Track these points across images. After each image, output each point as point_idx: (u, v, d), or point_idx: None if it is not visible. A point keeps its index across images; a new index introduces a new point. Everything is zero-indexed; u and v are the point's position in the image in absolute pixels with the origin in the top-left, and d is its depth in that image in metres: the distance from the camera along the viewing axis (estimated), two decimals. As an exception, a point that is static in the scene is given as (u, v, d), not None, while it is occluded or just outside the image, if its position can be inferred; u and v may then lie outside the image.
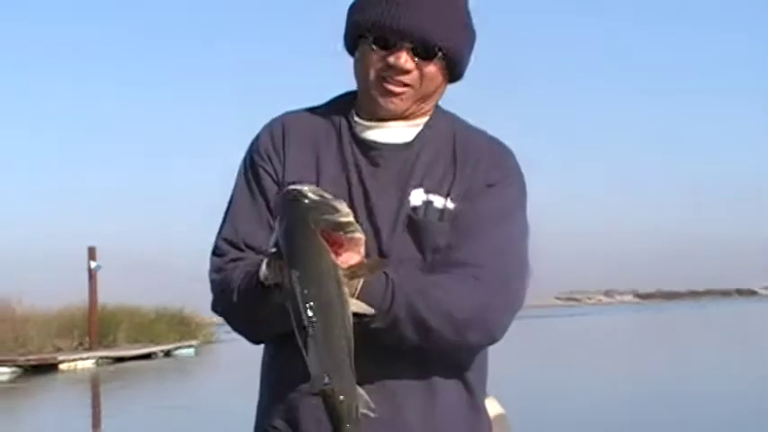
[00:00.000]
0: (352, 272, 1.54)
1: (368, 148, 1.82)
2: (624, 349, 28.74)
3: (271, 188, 1.84)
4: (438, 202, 1.77)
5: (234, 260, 1.79)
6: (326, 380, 1.53)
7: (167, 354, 31.98)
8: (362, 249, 1.58)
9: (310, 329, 1.51)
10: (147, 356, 30.85)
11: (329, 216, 1.54)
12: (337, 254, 1.52)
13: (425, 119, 1.84)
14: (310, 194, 1.58)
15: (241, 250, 1.80)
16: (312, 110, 1.95)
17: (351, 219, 1.57)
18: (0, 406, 19.99)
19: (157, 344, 32.58)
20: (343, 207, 1.56)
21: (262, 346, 1.92)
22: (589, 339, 36.95)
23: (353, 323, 1.54)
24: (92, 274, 32.46)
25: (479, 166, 1.80)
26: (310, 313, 1.51)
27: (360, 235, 1.56)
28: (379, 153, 1.81)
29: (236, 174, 1.94)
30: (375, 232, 1.77)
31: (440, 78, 1.83)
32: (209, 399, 17.85)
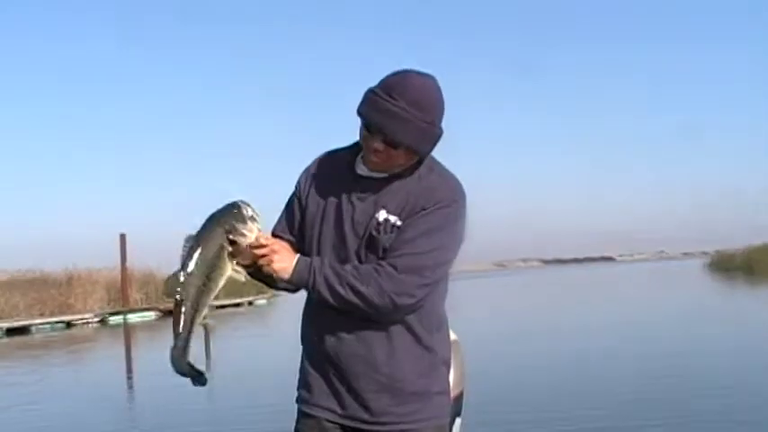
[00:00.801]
0: (237, 249, 2.23)
1: (359, 178, 2.36)
2: (532, 296, 39.39)
3: (296, 204, 2.50)
4: (392, 219, 2.28)
5: None
6: (178, 294, 2.19)
7: (250, 303, 39.06)
8: (247, 250, 2.24)
9: (185, 259, 2.19)
10: (238, 305, 37.27)
11: (236, 222, 2.20)
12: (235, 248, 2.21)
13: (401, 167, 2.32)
14: (242, 207, 2.25)
15: (276, 236, 2.43)
16: (343, 149, 2.49)
17: (246, 231, 2.21)
18: (150, 335, 25.44)
19: (243, 297, 38.59)
20: (250, 224, 2.23)
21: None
22: (510, 291, 47.82)
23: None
24: None
25: (423, 198, 2.29)
26: (186, 252, 2.20)
27: (245, 240, 2.22)
28: (365, 183, 2.34)
29: None
30: (354, 234, 2.33)
31: (405, 157, 2.30)
32: (276, 329, 24.11)
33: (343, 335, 2.35)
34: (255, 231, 2.25)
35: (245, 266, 2.32)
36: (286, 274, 2.29)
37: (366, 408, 2.36)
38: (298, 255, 2.36)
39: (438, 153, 2.39)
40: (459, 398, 2.80)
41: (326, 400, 2.41)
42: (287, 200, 2.54)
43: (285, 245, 2.37)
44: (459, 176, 2.42)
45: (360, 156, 2.39)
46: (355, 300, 2.24)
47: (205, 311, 2.28)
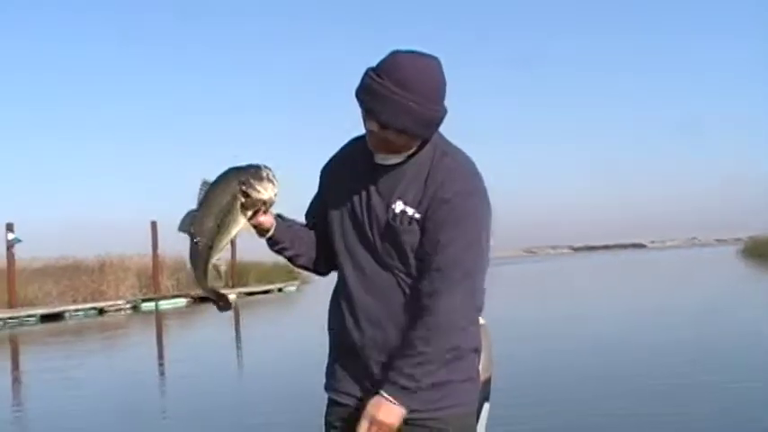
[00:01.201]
0: (249, 202, 2.24)
1: (377, 166, 2.34)
2: (565, 282, 39.02)
3: (322, 191, 2.53)
4: (410, 212, 2.26)
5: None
6: (191, 228, 2.28)
7: (279, 290, 40.05)
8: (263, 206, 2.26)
9: (200, 200, 2.28)
10: (267, 292, 38.99)
11: (252, 178, 2.23)
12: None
13: (412, 151, 2.29)
14: (262, 168, 2.26)
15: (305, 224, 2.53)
16: (361, 138, 2.41)
17: (260, 187, 2.23)
18: (181, 322, 26.86)
19: (272, 284, 40.72)
20: (266, 183, 2.24)
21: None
22: (541, 277, 47.64)
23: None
24: (233, 241, 40.22)
25: (442, 188, 2.23)
26: (201, 195, 2.28)
27: (258, 195, 2.23)
28: (379, 171, 2.33)
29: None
30: (369, 223, 2.33)
31: (402, 139, 2.25)
32: (305, 316, 24.03)
33: (368, 323, 2.36)
34: (270, 192, 2.25)
35: (259, 231, 2.37)
36: None
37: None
38: None
39: (463, 143, 2.35)
40: (488, 383, 2.73)
41: (351, 387, 2.42)
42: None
43: None
44: (484, 166, 2.36)
45: None
46: (449, 354, 2.28)
47: (219, 255, 2.32)
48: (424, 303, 2.24)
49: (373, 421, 2.24)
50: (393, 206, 2.27)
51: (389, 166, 2.30)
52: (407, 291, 2.31)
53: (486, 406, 2.73)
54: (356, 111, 2.27)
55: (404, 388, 2.23)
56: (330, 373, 2.51)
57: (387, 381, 2.26)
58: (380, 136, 2.23)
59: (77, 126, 74.06)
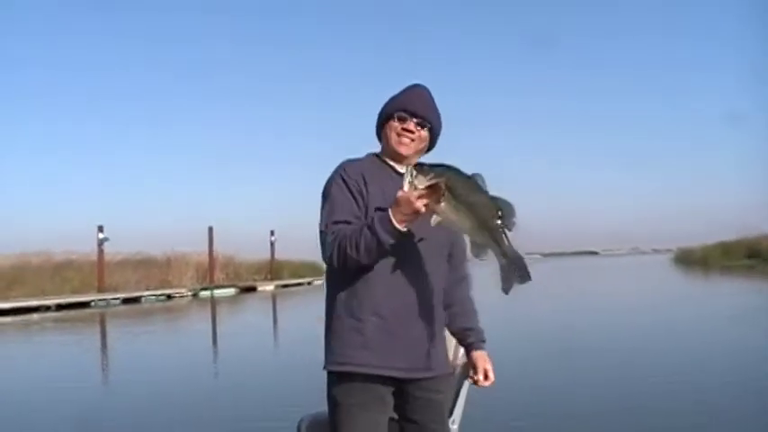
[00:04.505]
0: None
1: (400, 175, 2.24)
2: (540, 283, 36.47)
3: (356, 195, 2.24)
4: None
5: (340, 226, 2.18)
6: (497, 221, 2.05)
7: (309, 283, 39.10)
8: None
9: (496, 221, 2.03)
10: (299, 284, 38.54)
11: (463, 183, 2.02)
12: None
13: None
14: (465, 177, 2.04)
15: (347, 223, 2.18)
16: (363, 159, 2.33)
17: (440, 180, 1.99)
18: (231, 307, 26.19)
19: (303, 278, 40.22)
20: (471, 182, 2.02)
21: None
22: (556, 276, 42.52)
23: None
24: (272, 243, 40.87)
25: None
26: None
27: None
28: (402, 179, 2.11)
29: (325, 188, 2.29)
30: (425, 224, 2.09)
31: (426, 141, 2.32)
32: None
33: (409, 299, 2.26)
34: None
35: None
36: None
37: (427, 360, 2.28)
38: None
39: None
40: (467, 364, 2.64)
41: (390, 358, 2.23)
42: (336, 192, 2.27)
43: None
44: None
45: (385, 160, 2.36)
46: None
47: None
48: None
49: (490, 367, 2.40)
50: None
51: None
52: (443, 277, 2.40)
53: (467, 383, 2.66)
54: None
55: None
56: (362, 349, 2.23)
57: (482, 339, 2.45)
58: (415, 135, 2.31)
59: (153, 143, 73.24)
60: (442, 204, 2.04)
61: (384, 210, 2.11)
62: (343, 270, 2.22)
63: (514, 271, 2.08)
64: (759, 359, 8.95)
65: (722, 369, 8.24)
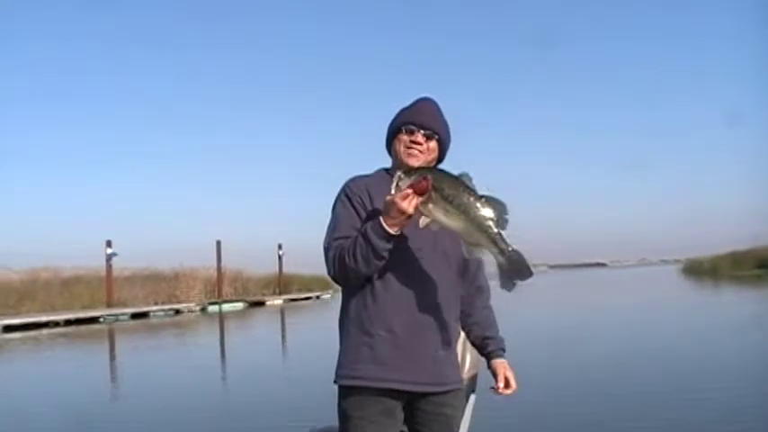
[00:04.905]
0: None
1: None
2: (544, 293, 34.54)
3: (360, 210, 2.24)
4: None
5: (340, 241, 2.19)
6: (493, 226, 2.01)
7: (317, 297, 39.23)
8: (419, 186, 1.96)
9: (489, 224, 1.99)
10: (307, 299, 38.53)
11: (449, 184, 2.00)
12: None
13: None
14: (461, 178, 2.04)
15: (348, 238, 2.17)
16: (371, 175, 2.34)
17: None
18: (239, 322, 26.07)
19: (312, 292, 40.29)
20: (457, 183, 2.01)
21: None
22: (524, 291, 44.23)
23: None
24: (280, 257, 40.75)
25: None
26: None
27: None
28: None
29: (333, 204, 2.30)
30: (427, 236, 2.16)
31: (435, 153, 2.31)
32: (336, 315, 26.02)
33: (420, 313, 2.24)
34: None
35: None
36: None
37: (438, 374, 2.25)
38: None
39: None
40: (475, 378, 2.65)
41: (400, 372, 2.21)
42: (339, 209, 2.30)
43: None
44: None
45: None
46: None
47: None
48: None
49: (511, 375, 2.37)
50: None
51: None
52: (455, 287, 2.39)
53: (473, 397, 2.63)
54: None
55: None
56: (371, 362, 2.21)
57: (501, 347, 2.42)
58: (423, 147, 2.31)
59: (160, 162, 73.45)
60: (430, 206, 2.03)
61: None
62: (347, 284, 2.25)
63: (514, 268, 2.06)
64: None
65: (746, 380, 8.15)
